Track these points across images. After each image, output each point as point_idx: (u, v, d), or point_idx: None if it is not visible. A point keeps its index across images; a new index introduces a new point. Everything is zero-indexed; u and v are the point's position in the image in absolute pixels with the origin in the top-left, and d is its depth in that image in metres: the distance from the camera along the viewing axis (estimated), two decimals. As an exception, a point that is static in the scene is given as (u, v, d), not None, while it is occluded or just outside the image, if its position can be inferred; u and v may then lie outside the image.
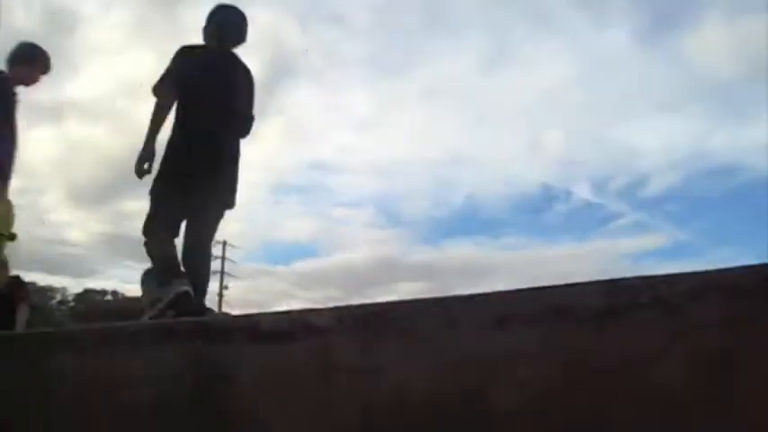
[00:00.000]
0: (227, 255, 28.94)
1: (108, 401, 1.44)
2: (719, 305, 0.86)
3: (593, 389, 0.91)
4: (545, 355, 0.95)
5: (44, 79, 3.16)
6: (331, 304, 1.22)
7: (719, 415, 0.83)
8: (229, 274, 28.12)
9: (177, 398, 1.35)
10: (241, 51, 2.76)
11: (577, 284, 0.99)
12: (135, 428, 1.38)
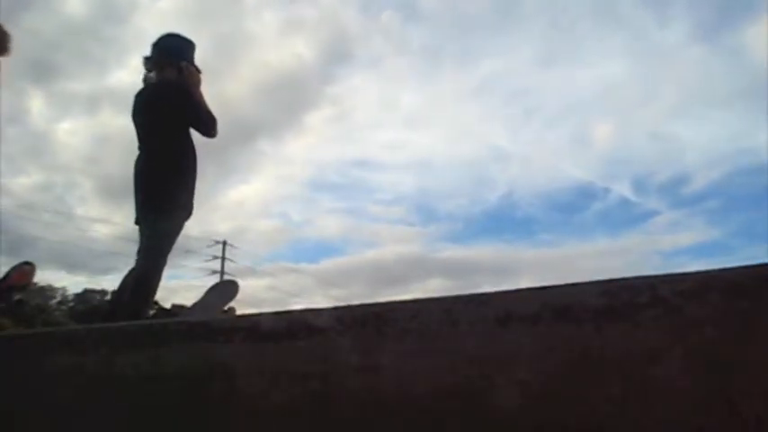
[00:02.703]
0: (228, 255, 28.98)
1: (108, 402, 1.45)
2: (719, 305, 0.86)
3: (594, 389, 0.91)
4: (545, 355, 0.95)
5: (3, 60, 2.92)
6: (352, 302, 1.22)
7: (720, 415, 0.83)
8: (229, 274, 28.15)
9: (177, 398, 1.35)
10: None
11: (577, 284, 0.99)
12: (134, 429, 1.38)
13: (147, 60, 3.13)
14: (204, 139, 3.03)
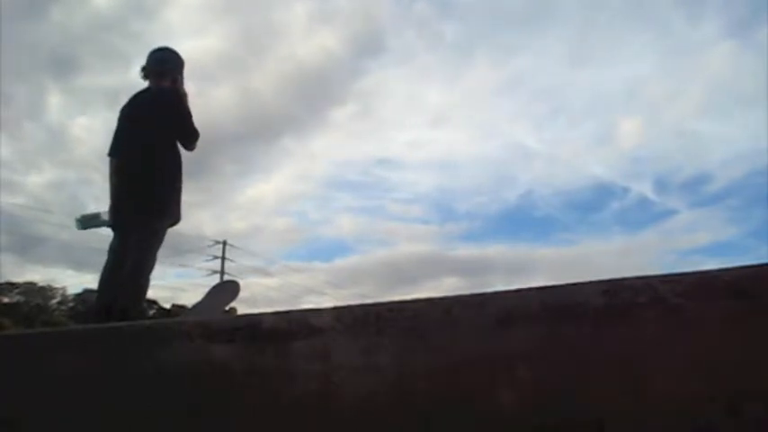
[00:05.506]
0: (229, 255, 29.02)
1: (108, 402, 1.44)
2: (719, 305, 0.86)
3: (594, 389, 0.91)
4: (545, 355, 0.95)
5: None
6: (361, 301, 1.22)
7: (720, 415, 0.83)
8: (229, 274, 28.19)
9: (177, 398, 1.35)
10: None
11: (577, 284, 0.99)
12: (134, 429, 1.38)
13: (143, 69, 3.24)
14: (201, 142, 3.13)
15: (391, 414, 1.06)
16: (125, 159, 3.08)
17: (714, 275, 0.89)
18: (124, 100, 3.31)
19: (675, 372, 0.86)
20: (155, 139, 3.03)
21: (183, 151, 3.15)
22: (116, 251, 3.01)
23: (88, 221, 3.26)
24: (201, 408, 1.30)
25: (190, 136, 3.11)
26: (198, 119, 3.16)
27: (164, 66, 3.24)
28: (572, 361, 0.93)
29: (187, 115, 3.12)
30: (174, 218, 3.11)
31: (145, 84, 3.26)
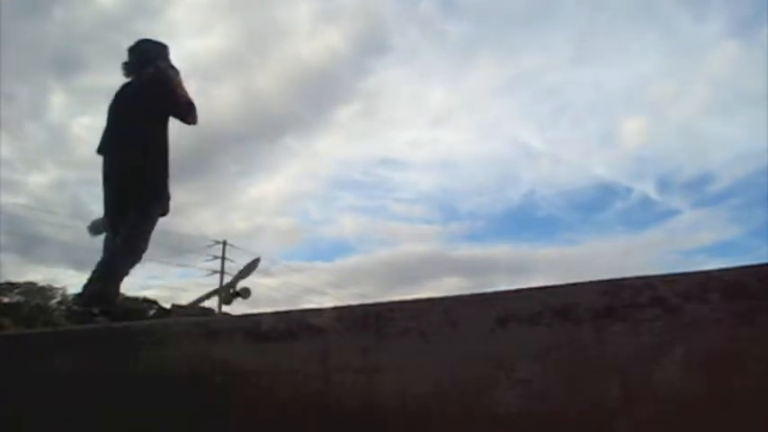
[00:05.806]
0: (228, 255, 29.02)
1: (108, 402, 1.44)
2: (719, 305, 0.86)
3: (593, 389, 0.91)
4: (545, 355, 0.95)
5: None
6: (361, 301, 1.22)
7: (719, 415, 0.83)
8: (229, 274, 28.17)
9: (177, 398, 1.35)
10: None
11: (577, 284, 0.99)
12: (135, 428, 1.38)
13: (125, 66, 3.26)
14: (189, 127, 3.15)
15: (391, 414, 1.06)
16: (116, 156, 3.10)
17: (714, 275, 0.89)
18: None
19: (675, 372, 0.86)
20: (142, 131, 3.06)
21: (179, 148, 3.15)
22: (107, 248, 3.04)
23: (99, 228, 3.29)
24: (201, 408, 1.30)
25: (182, 108, 3.12)
26: (200, 118, 3.14)
27: (143, 57, 3.25)
28: (572, 361, 0.93)
29: (173, 89, 3.12)
30: (164, 207, 3.12)
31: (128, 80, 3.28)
